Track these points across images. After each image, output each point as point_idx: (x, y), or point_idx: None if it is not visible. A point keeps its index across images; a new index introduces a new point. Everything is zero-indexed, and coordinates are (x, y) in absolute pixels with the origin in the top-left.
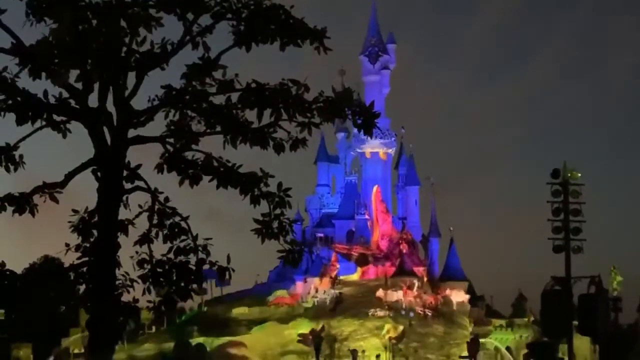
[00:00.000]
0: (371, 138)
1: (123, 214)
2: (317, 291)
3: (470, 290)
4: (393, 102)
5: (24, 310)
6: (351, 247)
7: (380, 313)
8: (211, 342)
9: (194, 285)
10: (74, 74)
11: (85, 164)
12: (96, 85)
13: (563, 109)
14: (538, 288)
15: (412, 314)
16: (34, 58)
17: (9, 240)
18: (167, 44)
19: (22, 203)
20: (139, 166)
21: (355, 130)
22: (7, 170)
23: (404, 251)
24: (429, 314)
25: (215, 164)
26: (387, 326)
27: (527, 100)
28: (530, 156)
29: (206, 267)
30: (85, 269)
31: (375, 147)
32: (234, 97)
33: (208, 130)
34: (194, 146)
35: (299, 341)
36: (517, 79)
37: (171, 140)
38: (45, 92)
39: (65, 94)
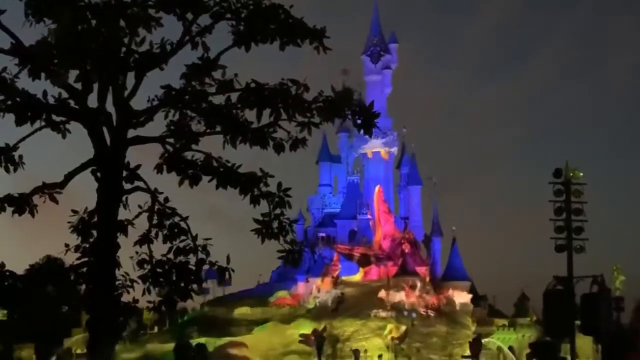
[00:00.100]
0: (371, 138)
1: (123, 214)
2: (319, 291)
3: (472, 290)
4: (395, 101)
5: (26, 310)
6: (353, 247)
7: (383, 314)
8: (214, 342)
9: (194, 286)
10: (73, 74)
11: (84, 165)
12: (95, 86)
13: (563, 109)
14: (540, 288)
15: (414, 315)
16: (34, 58)
17: (11, 241)
18: (167, 44)
19: (21, 204)
20: (138, 166)
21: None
22: (7, 170)
23: (406, 251)
24: (432, 314)
25: (215, 164)
26: (390, 326)
27: (527, 100)
28: (531, 156)
29: (207, 267)
30: (85, 269)
31: (377, 147)
32: (234, 97)
33: (208, 130)
34: (193, 146)
35: (300, 341)
36: (517, 79)
37: (171, 140)
38: (45, 93)
39: (65, 95)
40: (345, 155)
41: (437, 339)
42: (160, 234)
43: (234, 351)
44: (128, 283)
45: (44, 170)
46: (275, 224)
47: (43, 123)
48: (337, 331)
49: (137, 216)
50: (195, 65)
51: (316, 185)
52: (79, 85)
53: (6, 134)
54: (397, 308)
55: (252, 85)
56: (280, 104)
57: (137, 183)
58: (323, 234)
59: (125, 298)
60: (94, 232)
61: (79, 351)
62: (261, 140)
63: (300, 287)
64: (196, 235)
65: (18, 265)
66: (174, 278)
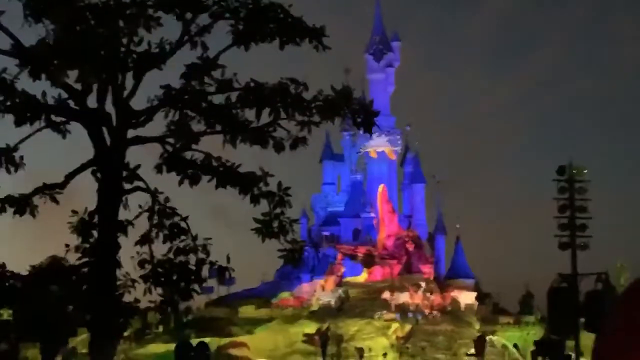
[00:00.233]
0: (371, 136)
1: (123, 214)
2: (323, 290)
3: (476, 288)
4: (398, 100)
5: (31, 310)
6: (356, 247)
7: (387, 316)
8: (218, 342)
9: (195, 285)
10: (73, 74)
11: (85, 165)
12: (95, 86)
13: (564, 107)
14: (545, 285)
15: (419, 316)
16: (33, 59)
17: (13, 242)
18: (166, 44)
19: (22, 204)
20: (138, 166)
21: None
22: (8, 171)
23: (411, 250)
24: (437, 315)
25: (215, 163)
26: (394, 325)
27: (528, 97)
28: (533, 154)
29: (207, 266)
30: (85, 269)
31: (380, 146)
32: (233, 96)
33: (208, 130)
34: (193, 146)
35: (304, 341)
36: (517, 78)
37: (171, 140)
38: (44, 93)
39: (65, 95)
40: (348, 154)
41: (443, 337)
42: (160, 234)
43: (236, 351)
44: (129, 283)
45: (44, 171)
46: (275, 223)
47: (43, 124)
48: (342, 330)
49: (137, 216)
50: (194, 64)
51: (319, 184)
52: (78, 86)
53: (6, 135)
54: (401, 309)
55: (252, 84)
56: (279, 103)
57: (137, 183)
58: (327, 233)
59: (127, 298)
60: (95, 233)
61: (84, 351)
62: (261, 139)
63: (304, 287)
64: (196, 235)
65: (19, 265)
66: (175, 278)
